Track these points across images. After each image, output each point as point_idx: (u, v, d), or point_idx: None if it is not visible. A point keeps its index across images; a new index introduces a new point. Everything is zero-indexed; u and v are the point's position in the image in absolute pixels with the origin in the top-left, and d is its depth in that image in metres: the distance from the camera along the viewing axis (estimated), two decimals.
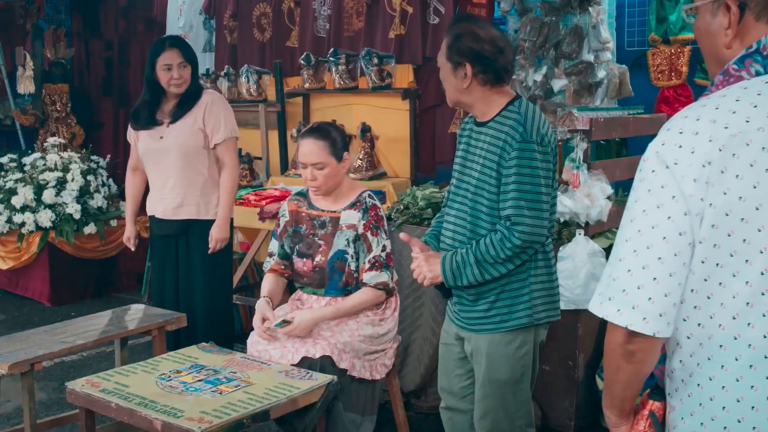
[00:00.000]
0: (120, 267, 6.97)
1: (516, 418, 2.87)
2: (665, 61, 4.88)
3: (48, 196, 6.33)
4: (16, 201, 6.29)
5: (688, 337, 1.58)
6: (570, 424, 3.93)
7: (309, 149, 3.47)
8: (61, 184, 6.42)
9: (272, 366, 3.28)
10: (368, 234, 3.47)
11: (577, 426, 3.94)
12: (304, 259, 3.58)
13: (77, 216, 6.35)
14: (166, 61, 4.19)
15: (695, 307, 1.56)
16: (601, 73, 4.71)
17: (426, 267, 2.83)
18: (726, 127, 1.51)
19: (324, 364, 3.30)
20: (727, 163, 1.50)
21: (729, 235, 1.51)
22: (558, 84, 4.85)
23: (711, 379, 1.57)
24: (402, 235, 3.00)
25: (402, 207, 4.49)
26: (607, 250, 3.85)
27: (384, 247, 3.48)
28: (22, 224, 6.29)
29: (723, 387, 1.56)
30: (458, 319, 2.92)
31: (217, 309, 4.39)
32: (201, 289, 4.34)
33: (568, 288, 3.76)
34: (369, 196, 3.56)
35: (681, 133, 1.54)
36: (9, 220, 6.34)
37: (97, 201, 6.52)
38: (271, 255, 3.69)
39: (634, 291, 1.54)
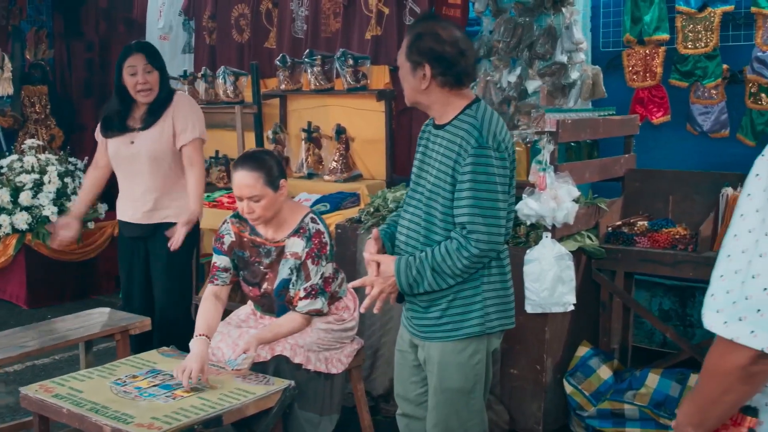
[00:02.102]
0: (98, 269, 6.93)
1: (469, 428, 2.82)
2: (640, 62, 4.84)
3: (25, 198, 6.29)
4: None
5: None
6: (538, 428, 3.89)
7: (243, 182, 3.32)
8: (38, 186, 6.38)
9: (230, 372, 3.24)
10: (309, 263, 3.38)
11: (545, 430, 3.90)
12: (251, 287, 3.53)
13: (54, 218, 6.29)
14: (131, 64, 4.17)
15: None
16: (574, 74, 4.68)
17: (383, 283, 2.76)
18: None
19: (279, 361, 3.26)
20: None
21: None
22: (532, 85, 4.82)
23: None
24: (374, 231, 2.91)
25: (372, 209, 4.45)
26: (574, 254, 3.83)
27: (323, 274, 3.40)
28: None
29: None
30: (411, 326, 2.87)
31: (179, 311, 4.34)
32: (162, 292, 4.29)
33: (535, 291, 3.72)
34: (312, 220, 3.45)
35: None
36: None
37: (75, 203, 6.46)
38: (226, 270, 3.54)
39: None
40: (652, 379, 3.78)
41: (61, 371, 4.93)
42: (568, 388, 3.90)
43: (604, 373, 3.94)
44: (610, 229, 4.11)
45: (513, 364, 3.91)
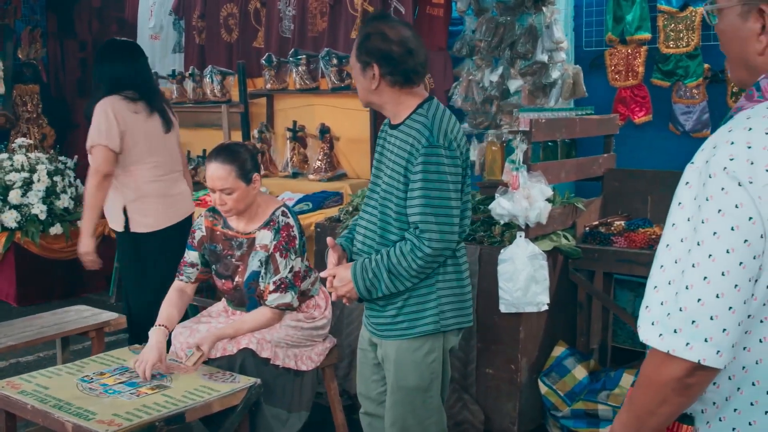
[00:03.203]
0: None
1: (427, 426, 2.82)
2: (622, 61, 4.84)
3: (14, 196, 6.32)
4: None
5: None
6: (513, 428, 3.88)
7: (215, 174, 3.34)
8: (27, 184, 6.40)
9: (198, 368, 3.25)
10: (277, 255, 3.38)
11: (521, 430, 3.90)
12: (223, 280, 3.53)
13: (43, 216, 6.34)
14: None
15: (745, 331, 1.46)
16: (555, 74, 4.67)
17: (341, 288, 2.79)
18: None
19: (245, 356, 3.27)
20: None
21: None
22: (514, 84, 4.82)
23: (753, 404, 1.50)
24: (328, 240, 2.96)
25: (351, 209, 4.45)
26: (551, 253, 3.82)
27: (292, 268, 3.41)
28: None
29: (767, 412, 1.49)
30: (369, 324, 2.89)
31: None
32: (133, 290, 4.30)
33: (509, 291, 3.72)
34: (282, 213, 3.46)
35: (750, 147, 1.42)
36: None
37: (64, 201, 6.49)
38: (193, 265, 3.56)
39: (707, 322, 1.41)
40: (627, 380, 3.77)
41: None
42: (543, 388, 3.89)
43: (580, 373, 3.92)
44: (587, 228, 4.11)
45: (488, 364, 3.90)
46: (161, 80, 6.47)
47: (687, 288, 1.43)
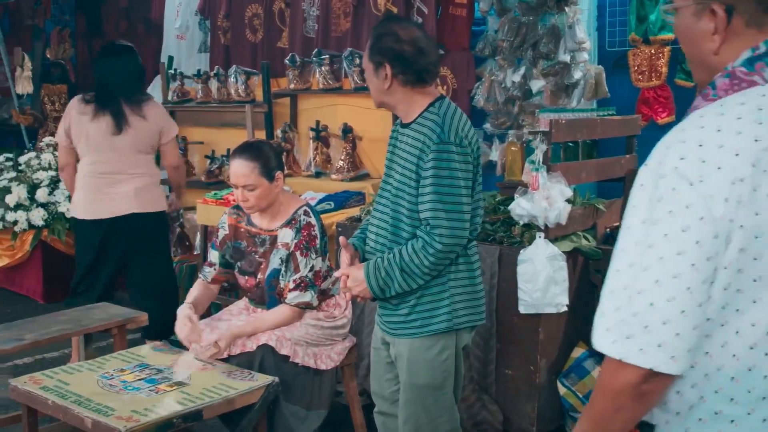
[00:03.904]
0: None
1: (439, 424, 2.83)
2: (645, 61, 4.80)
3: (41, 194, 6.40)
4: (10, 200, 6.36)
5: (692, 367, 1.43)
6: (532, 429, 3.87)
7: (239, 170, 3.41)
8: (54, 183, 6.48)
9: (217, 366, 3.28)
10: (297, 254, 3.43)
11: (540, 431, 3.89)
12: (247, 277, 3.57)
13: (69, 215, 6.39)
14: None
15: (706, 336, 1.41)
16: (577, 74, 4.67)
17: (355, 288, 2.82)
18: (757, 140, 1.36)
19: (264, 352, 3.29)
20: (760, 181, 1.35)
21: (755, 259, 1.38)
22: (536, 85, 4.82)
23: (717, 413, 1.45)
24: (341, 239, 2.99)
25: (371, 209, 4.45)
26: (571, 254, 3.81)
27: (312, 267, 3.44)
28: (15, 222, 6.35)
29: (732, 421, 1.44)
30: (382, 323, 2.90)
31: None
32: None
33: (528, 292, 3.71)
34: (305, 212, 3.50)
35: (701, 146, 1.37)
36: (2, 218, 6.41)
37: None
38: (211, 265, 3.66)
39: (659, 327, 1.36)
40: None
41: None
42: (562, 390, 3.88)
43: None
44: (608, 230, 4.09)
45: (507, 365, 3.90)
46: (186, 80, 6.51)
47: (639, 292, 1.38)
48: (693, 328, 1.37)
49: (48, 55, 8.23)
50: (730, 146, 1.36)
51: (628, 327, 1.38)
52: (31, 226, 6.40)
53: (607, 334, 1.42)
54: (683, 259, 1.36)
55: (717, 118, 1.40)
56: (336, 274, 2.92)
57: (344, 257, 2.91)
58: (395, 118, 2.97)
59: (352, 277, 2.81)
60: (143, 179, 4.77)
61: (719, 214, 1.34)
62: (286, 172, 3.86)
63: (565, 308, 3.73)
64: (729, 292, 1.39)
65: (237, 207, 3.61)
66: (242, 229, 3.58)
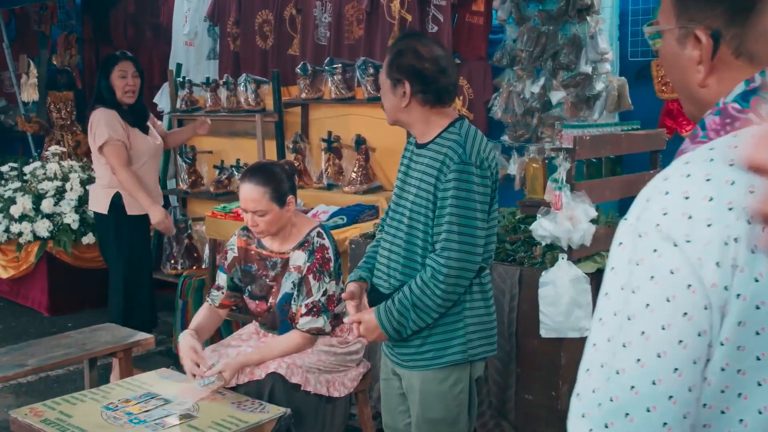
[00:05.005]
0: None
1: None
2: None
3: (47, 205, 6.27)
4: (15, 210, 6.23)
5: None
6: None
7: (249, 195, 3.26)
8: (60, 193, 6.35)
9: (226, 395, 3.13)
10: (310, 277, 3.28)
11: None
12: (257, 301, 3.43)
13: (75, 226, 6.28)
14: (122, 68, 4.89)
15: (704, 425, 1.18)
16: (599, 86, 4.52)
17: (369, 335, 2.72)
18: (752, 191, 1.11)
19: (275, 381, 3.14)
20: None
21: (758, 334, 1.14)
22: (556, 96, 4.67)
23: None
24: (343, 296, 2.91)
25: (379, 232, 4.30)
26: (595, 275, 3.65)
27: (326, 291, 3.30)
28: (20, 234, 6.22)
29: None
30: (392, 354, 2.78)
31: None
32: None
33: (550, 315, 3.55)
34: (318, 234, 3.36)
35: (687, 198, 1.14)
36: (7, 230, 6.28)
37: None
38: (219, 288, 3.50)
39: (643, 415, 1.13)
40: None
41: (74, 383, 4.89)
42: None
43: None
44: None
45: (527, 390, 3.75)
46: (195, 88, 6.38)
47: (618, 373, 1.14)
48: (683, 416, 1.14)
49: (54, 62, 8.10)
50: (722, 198, 1.13)
51: (606, 414, 1.15)
52: (36, 237, 6.27)
53: (583, 421, 1.18)
54: (669, 334, 1.13)
55: (706, 164, 1.17)
56: (347, 321, 2.81)
57: (349, 308, 2.83)
58: (410, 133, 2.85)
59: (365, 324, 2.71)
60: (97, 181, 5.07)
61: (710, 281, 1.12)
62: (297, 184, 3.72)
63: (588, 332, 3.57)
64: (728, 372, 1.15)
65: (247, 228, 3.47)
66: (252, 252, 3.44)
